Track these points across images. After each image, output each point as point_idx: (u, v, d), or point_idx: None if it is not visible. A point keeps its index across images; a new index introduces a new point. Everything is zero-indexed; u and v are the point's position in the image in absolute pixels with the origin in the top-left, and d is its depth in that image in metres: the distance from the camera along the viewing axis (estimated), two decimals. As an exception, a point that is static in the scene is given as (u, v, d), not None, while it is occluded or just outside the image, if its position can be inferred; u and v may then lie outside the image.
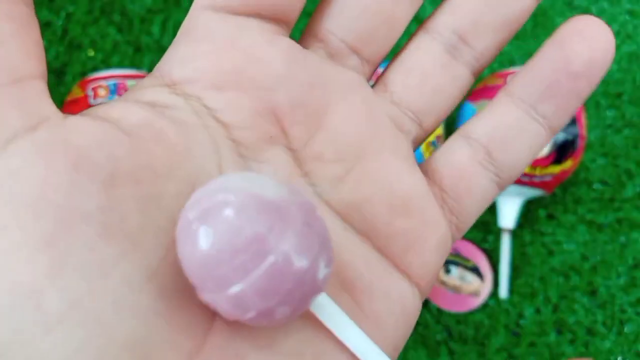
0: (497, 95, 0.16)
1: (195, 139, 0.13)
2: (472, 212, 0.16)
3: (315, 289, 0.12)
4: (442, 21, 0.16)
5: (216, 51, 0.14)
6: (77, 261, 0.11)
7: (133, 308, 0.11)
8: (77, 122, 0.12)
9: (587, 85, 0.15)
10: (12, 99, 0.11)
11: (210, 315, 0.12)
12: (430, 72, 0.16)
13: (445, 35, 0.15)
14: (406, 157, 0.16)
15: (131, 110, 0.13)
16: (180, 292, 0.12)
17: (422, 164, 0.16)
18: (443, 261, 0.16)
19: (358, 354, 0.13)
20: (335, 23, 0.15)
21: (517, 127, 0.16)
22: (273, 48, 0.14)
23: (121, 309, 0.11)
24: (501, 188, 0.16)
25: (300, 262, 0.11)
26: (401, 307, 0.15)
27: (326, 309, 0.13)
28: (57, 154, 0.11)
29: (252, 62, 0.14)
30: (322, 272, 0.12)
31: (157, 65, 0.14)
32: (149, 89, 0.13)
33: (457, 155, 0.16)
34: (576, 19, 0.15)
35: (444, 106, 0.16)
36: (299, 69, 0.14)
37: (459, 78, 0.16)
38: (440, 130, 0.39)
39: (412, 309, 0.15)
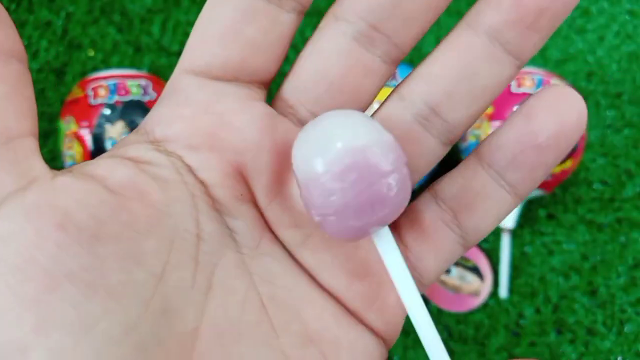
0: (469, 156, 0.16)
1: (175, 196, 0.14)
2: (434, 271, 0.16)
3: (383, 204, 0.13)
4: (416, 90, 0.15)
5: (193, 115, 0.15)
6: (61, 319, 0.11)
7: None
8: (64, 182, 0.13)
9: (554, 157, 0.15)
10: (4, 160, 0.12)
11: None
12: (400, 144, 0.16)
13: (417, 105, 0.15)
14: None
15: (116, 169, 0.13)
16: (156, 342, 0.13)
17: None
18: (404, 316, 0.16)
19: (400, 292, 0.14)
20: (304, 95, 0.15)
21: (484, 193, 0.16)
22: (246, 115, 0.15)
23: None
24: (466, 249, 0.16)
25: (383, 167, 0.13)
26: (366, 359, 0.15)
27: (385, 242, 0.14)
28: (44, 217, 0.12)
29: (225, 127, 0.15)
30: (393, 192, 0.13)
31: (143, 122, 0.15)
32: (134, 145, 0.14)
33: (424, 214, 0.16)
34: (546, 90, 0.15)
35: (413, 178, 0.16)
36: (267, 137, 0.15)
37: (428, 151, 0.16)
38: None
39: (376, 358, 0.15)
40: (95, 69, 0.44)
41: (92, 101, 0.36)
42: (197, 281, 0.14)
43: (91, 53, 0.44)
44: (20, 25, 0.44)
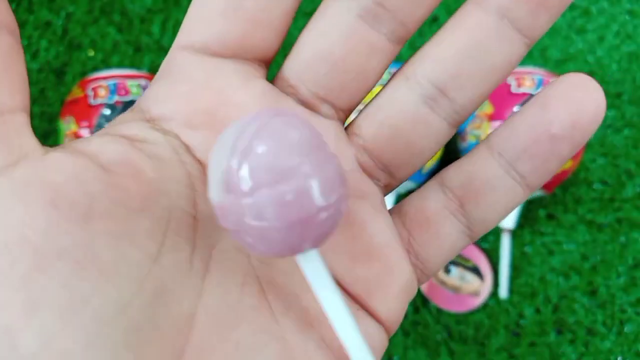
0: (479, 144, 0.16)
1: (171, 175, 0.13)
2: (438, 260, 0.16)
3: (315, 236, 0.12)
4: (422, 70, 0.15)
5: (191, 92, 0.14)
6: (51, 299, 0.11)
7: (104, 343, 0.11)
8: (55, 158, 0.12)
9: (568, 148, 0.14)
10: None
11: (180, 347, 0.13)
12: (404, 127, 0.15)
13: (424, 86, 0.15)
14: (374, 203, 0.15)
15: (109, 145, 0.13)
16: (151, 324, 0.12)
17: (395, 206, 0.17)
18: (407, 303, 0.16)
19: (329, 315, 0.13)
20: (305, 75, 0.15)
21: (493, 183, 0.15)
22: (246, 92, 0.14)
23: (93, 344, 0.11)
24: (472, 239, 0.16)
25: (319, 201, 0.11)
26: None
27: (312, 264, 0.13)
28: (35, 193, 0.11)
29: (225, 104, 0.14)
30: (328, 220, 0.12)
31: (138, 100, 0.15)
32: (130, 123, 0.14)
33: (429, 202, 0.16)
34: (563, 78, 0.14)
35: (417, 160, 0.16)
36: None
37: (435, 133, 0.15)
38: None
39: (377, 345, 0.15)
40: (95, 69, 0.44)
41: (92, 101, 0.36)
42: (193, 264, 0.13)
43: (91, 53, 0.44)
44: (20, 25, 0.44)
